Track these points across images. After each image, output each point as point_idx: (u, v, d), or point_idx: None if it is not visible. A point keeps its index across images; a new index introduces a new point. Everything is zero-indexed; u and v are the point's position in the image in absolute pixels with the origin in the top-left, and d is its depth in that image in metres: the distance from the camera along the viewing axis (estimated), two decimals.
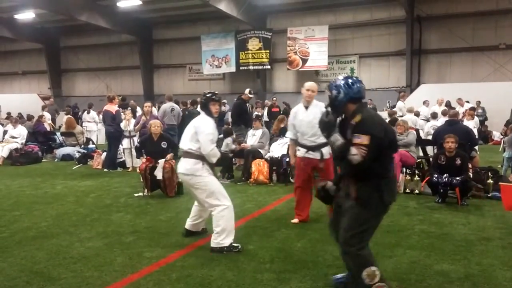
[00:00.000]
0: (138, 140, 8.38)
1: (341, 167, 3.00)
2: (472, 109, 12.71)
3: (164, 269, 3.69)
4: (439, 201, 6.12)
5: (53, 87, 27.03)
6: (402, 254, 4.04)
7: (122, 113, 9.61)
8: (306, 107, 4.97)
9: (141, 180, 6.84)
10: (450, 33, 18.05)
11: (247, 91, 10.36)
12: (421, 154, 8.21)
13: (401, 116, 10.83)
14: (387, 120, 9.02)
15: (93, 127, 13.68)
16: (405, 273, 3.59)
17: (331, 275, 3.41)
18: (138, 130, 8.92)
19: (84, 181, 8.12)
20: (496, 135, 15.04)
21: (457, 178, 5.92)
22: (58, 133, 12.54)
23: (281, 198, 6.53)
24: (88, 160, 10.44)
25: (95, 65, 26.11)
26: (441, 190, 6.07)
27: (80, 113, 18.40)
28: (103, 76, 26.09)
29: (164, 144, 6.81)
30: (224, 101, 15.06)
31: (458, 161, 6.05)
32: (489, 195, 6.40)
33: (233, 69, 21.54)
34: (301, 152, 5.01)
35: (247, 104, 10.73)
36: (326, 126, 2.90)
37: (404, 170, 6.97)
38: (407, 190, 6.82)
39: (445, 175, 6.01)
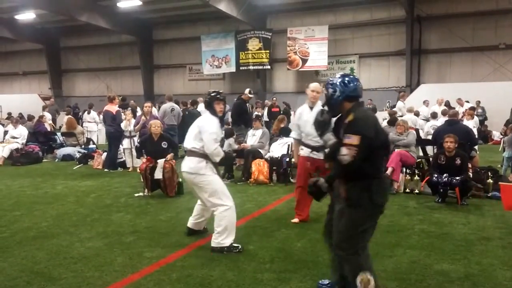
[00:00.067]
0: (138, 140, 8.39)
1: (332, 167, 2.97)
2: (472, 109, 12.72)
3: (164, 269, 3.70)
4: (439, 201, 6.12)
5: (53, 88, 27.05)
6: (402, 254, 4.04)
7: (122, 113, 9.62)
8: (311, 108, 4.99)
9: (141, 180, 6.85)
10: (450, 33, 18.06)
11: (247, 91, 10.37)
12: (421, 154, 8.21)
13: (401, 116, 10.83)
14: (386, 120, 9.05)
15: (93, 127, 13.68)
16: (405, 272, 3.60)
17: None
18: (138, 130, 8.93)
19: (84, 181, 8.13)
20: (496, 135, 15.05)
21: (457, 178, 5.93)
22: (58, 133, 12.55)
23: (281, 198, 6.54)
24: (89, 160, 10.45)
25: (95, 66, 26.12)
26: (441, 190, 6.07)
27: (80, 113, 18.42)
28: (103, 77, 26.10)
29: (164, 144, 6.82)
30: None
31: (458, 161, 6.05)
32: (489, 195, 6.40)
33: (233, 69, 21.54)
34: (305, 151, 5.02)
35: (247, 104, 10.73)
36: (320, 125, 2.89)
37: (404, 170, 6.98)
38: (407, 190, 6.83)
39: (445, 175, 6.02)
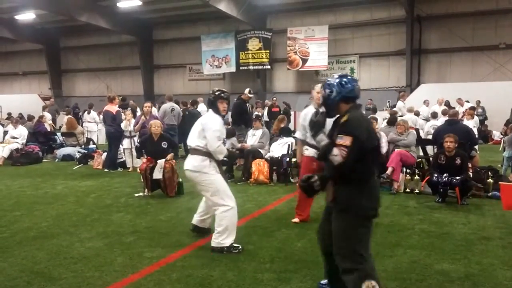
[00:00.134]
0: (138, 140, 8.39)
1: (326, 168, 2.94)
2: (472, 108, 12.72)
3: (164, 269, 3.70)
4: (439, 200, 6.12)
5: (53, 88, 27.05)
6: (403, 254, 4.04)
7: (122, 114, 9.62)
8: (317, 109, 4.98)
9: (142, 180, 6.85)
10: (450, 32, 18.06)
11: (246, 91, 10.37)
12: (421, 153, 8.21)
13: (401, 116, 10.83)
14: (386, 120, 9.05)
15: (93, 127, 13.68)
16: (405, 272, 3.60)
17: None
18: (137, 130, 8.93)
19: (84, 181, 8.13)
20: (496, 135, 15.05)
21: (457, 177, 5.93)
22: (58, 134, 12.56)
23: (281, 198, 6.54)
24: (89, 160, 10.45)
25: (95, 66, 26.13)
26: (441, 190, 6.07)
27: (80, 114, 18.43)
28: (103, 77, 26.10)
29: (164, 144, 6.81)
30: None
31: (458, 161, 6.05)
32: (489, 195, 6.41)
33: (233, 69, 21.54)
34: (310, 151, 5.02)
35: (247, 104, 10.74)
36: (314, 125, 2.88)
37: (404, 169, 6.98)
38: (407, 190, 6.83)
39: (445, 175, 6.02)
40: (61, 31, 25.57)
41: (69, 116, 12.99)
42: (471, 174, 6.45)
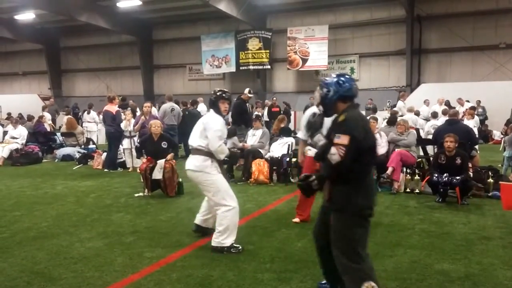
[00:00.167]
0: (138, 140, 8.39)
1: (323, 167, 2.92)
2: (472, 108, 12.72)
3: (164, 269, 3.69)
4: (440, 200, 6.12)
5: (53, 88, 27.05)
6: (403, 254, 4.04)
7: (122, 114, 9.61)
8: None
9: (142, 180, 6.85)
10: (450, 32, 18.05)
11: (246, 90, 10.37)
12: (421, 153, 8.21)
13: (401, 116, 10.82)
14: (386, 120, 9.05)
15: (93, 127, 13.69)
16: (405, 272, 3.59)
17: None
18: (137, 130, 8.93)
19: (84, 181, 8.13)
20: (497, 135, 15.05)
21: (457, 177, 5.93)
22: (58, 134, 12.55)
23: (281, 198, 6.53)
24: (89, 160, 10.45)
25: (95, 66, 26.12)
26: (441, 190, 6.07)
27: (80, 114, 18.42)
28: (103, 77, 26.10)
29: (164, 144, 6.81)
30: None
31: (458, 161, 6.05)
32: (489, 195, 6.41)
33: (233, 69, 21.53)
34: (312, 152, 5.00)
35: (247, 104, 10.73)
36: (310, 126, 2.88)
37: (405, 169, 6.97)
38: (408, 190, 6.83)
39: (445, 175, 6.01)
40: (61, 31, 25.56)
41: (69, 116, 12.99)
42: (471, 174, 6.45)
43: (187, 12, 21.17)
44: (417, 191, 6.71)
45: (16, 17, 21.81)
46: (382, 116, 11.97)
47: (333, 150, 2.64)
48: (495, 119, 15.49)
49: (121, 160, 9.61)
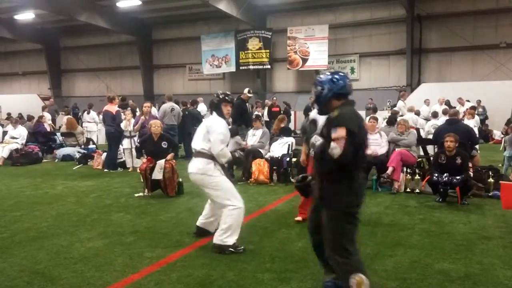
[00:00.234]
0: (138, 140, 8.39)
1: (315, 166, 2.92)
2: (473, 108, 12.71)
3: (164, 269, 3.69)
4: (440, 200, 6.11)
5: (53, 88, 27.05)
6: (403, 253, 4.03)
7: (122, 114, 9.61)
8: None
9: (142, 180, 6.85)
10: (450, 32, 18.05)
11: (246, 90, 10.38)
12: (421, 153, 8.20)
13: (401, 116, 10.82)
14: (386, 120, 9.05)
15: (93, 127, 13.69)
16: (406, 272, 3.59)
17: None
18: (137, 130, 8.93)
19: (84, 181, 8.12)
20: (497, 134, 15.05)
21: (458, 177, 5.92)
22: (58, 134, 12.55)
23: (281, 197, 6.53)
24: (89, 160, 10.45)
25: (95, 66, 26.12)
26: (442, 189, 6.07)
27: (80, 114, 18.43)
28: (103, 76, 26.10)
29: (164, 144, 6.81)
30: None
31: (459, 160, 6.05)
32: (489, 194, 6.40)
33: (233, 69, 21.53)
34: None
35: (247, 104, 10.73)
36: (305, 131, 2.90)
37: (405, 169, 6.97)
38: (408, 189, 6.83)
39: (445, 174, 6.01)
40: (60, 31, 25.57)
41: (69, 116, 12.99)
42: (471, 174, 6.45)
43: (187, 12, 21.17)
44: (417, 191, 6.71)
45: (16, 17, 21.81)
46: (382, 116, 11.96)
47: (333, 144, 2.64)
48: (496, 118, 15.50)
49: (121, 160, 9.60)
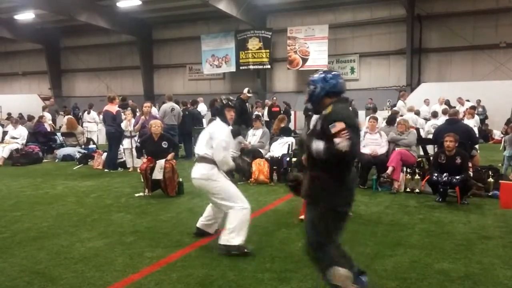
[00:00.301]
0: (139, 140, 8.39)
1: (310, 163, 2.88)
2: (473, 107, 12.71)
3: (165, 269, 3.70)
4: (440, 200, 6.12)
5: (53, 88, 27.07)
6: (403, 253, 4.04)
7: (122, 114, 9.62)
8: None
9: (142, 180, 6.85)
10: (450, 31, 18.04)
11: (245, 90, 10.39)
12: (421, 153, 8.21)
13: (401, 116, 10.81)
14: (385, 120, 9.05)
15: (93, 127, 13.69)
16: (406, 272, 3.59)
17: None
18: (137, 130, 8.93)
19: (84, 181, 8.13)
20: (497, 134, 15.05)
21: (457, 177, 5.93)
22: (58, 134, 12.56)
23: (281, 197, 6.53)
24: (89, 160, 10.46)
25: (95, 66, 26.12)
26: (441, 189, 6.07)
27: (80, 114, 18.43)
28: (103, 77, 26.10)
29: (164, 144, 6.81)
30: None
31: (458, 160, 6.05)
32: (489, 194, 6.41)
33: (233, 68, 21.53)
34: None
35: (247, 104, 10.74)
36: (302, 145, 2.91)
37: (405, 169, 6.98)
38: (408, 189, 6.83)
39: (445, 174, 6.01)
40: (61, 31, 25.57)
41: (69, 116, 12.99)
42: (471, 174, 6.45)
43: (187, 12, 21.17)
44: (417, 190, 6.71)
45: (16, 17, 21.81)
46: (382, 115, 11.97)
47: (337, 140, 2.59)
48: (495, 118, 15.50)
49: (122, 160, 9.61)
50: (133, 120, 9.17)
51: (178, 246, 4.26)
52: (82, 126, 13.30)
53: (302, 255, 3.96)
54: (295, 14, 20.56)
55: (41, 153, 11.35)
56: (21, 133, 11.17)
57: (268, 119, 14.63)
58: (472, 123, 10.41)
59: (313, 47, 19.64)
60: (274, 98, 17.25)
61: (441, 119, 10.32)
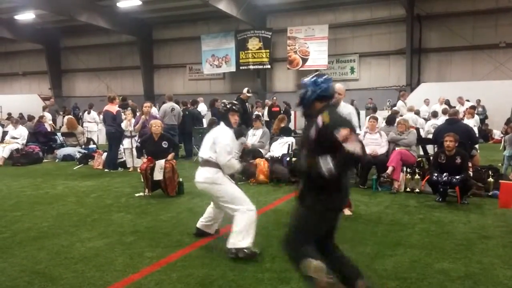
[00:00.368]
0: (139, 140, 8.39)
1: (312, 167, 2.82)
2: (473, 107, 12.71)
3: (165, 269, 3.70)
4: (440, 200, 6.12)
5: (53, 88, 27.07)
6: (403, 253, 4.04)
7: (122, 114, 9.63)
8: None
9: (142, 180, 6.85)
10: (450, 31, 18.05)
11: (245, 90, 10.40)
12: (421, 153, 8.22)
13: (401, 115, 10.81)
14: (385, 120, 9.06)
15: (93, 127, 13.69)
16: (406, 271, 3.60)
17: None
18: (138, 130, 8.94)
19: (85, 181, 8.13)
20: (497, 134, 15.05)
21: (457, 177, 5.93)
22: (58, 134, 12.57)
23: (281, 197, 6.53)
24: (89, 160, 10.46)
25: (95, 66, 26.13)
26: (441, 189, 6.07)
27: (80, 114, 18.43)
28: (103, 77, 26.11)
29: (165, 144, 6.82)
30: (224, 101, 15.07)
31: (458, 160, 6.05)
32: (489, 194, 6.41)
33: (233, 68, 21.53)
34: None
35: (247, 104, 10.74)
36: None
37: (405, 169, 6.98)
38: (408, 189, 6.84)
39: (445, 174, 6.02)
40: (61, 31, 25.57)
41: (69, 116, 13.00)
42: (471, 173, 6.45)
43: (187, 12, 21.17)
44: (417, 190, 6.71)
45: (16, 17, 21.81)
46: (382, 115, 11.97)
47: (348, 146, 2.51)
48: (495, 118, 15.49)
49: (122, 160, 9.61)
50: (133, 120, 9.18)
51: (178, 246, 4.27)
52: (82, 126, 13.31)
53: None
54: (295, 14, 20.56)
55: (41, 153, 11.35)
56: (21, 133, 11.18)
57: (268, 119, 14.64)
58: (472, 123, 10.41)
59: (313, 47, 19.65)
60: (274, 98, 17.26)
61: (441, 119, 10.33)
